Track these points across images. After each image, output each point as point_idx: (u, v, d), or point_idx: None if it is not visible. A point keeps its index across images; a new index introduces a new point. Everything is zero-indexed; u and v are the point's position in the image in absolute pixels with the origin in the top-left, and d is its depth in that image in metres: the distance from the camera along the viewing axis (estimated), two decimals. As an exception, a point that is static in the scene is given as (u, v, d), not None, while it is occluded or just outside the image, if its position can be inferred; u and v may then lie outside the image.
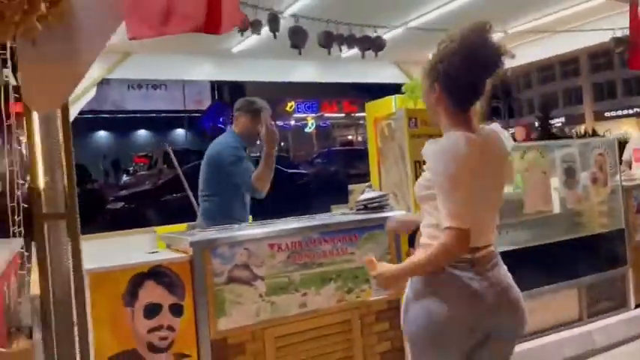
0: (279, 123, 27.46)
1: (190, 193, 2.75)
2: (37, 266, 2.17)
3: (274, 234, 2.58)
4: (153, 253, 2.58)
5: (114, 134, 30.97)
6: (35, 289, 2.35)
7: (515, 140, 6.96)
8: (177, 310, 2.33)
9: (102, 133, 30.92)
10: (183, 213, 5.75)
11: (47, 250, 2.13)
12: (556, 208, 3.64)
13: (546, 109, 37.93)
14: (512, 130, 7.51)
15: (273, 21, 3.52)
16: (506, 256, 3.17)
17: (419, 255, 1.70)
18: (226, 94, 24.55)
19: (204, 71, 5.84)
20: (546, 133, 28.57)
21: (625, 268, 3.80)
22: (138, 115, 29.65)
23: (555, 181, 3.60)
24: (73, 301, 2.16)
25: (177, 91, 27.81)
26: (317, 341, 2.62)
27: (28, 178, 2.95)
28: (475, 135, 1.65)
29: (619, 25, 4.33)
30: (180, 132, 32.09)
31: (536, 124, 37.87)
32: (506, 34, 5.04)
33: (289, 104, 26.39)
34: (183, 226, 3.69)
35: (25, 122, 2.16)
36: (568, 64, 41.52)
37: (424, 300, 1.68)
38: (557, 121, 42.88)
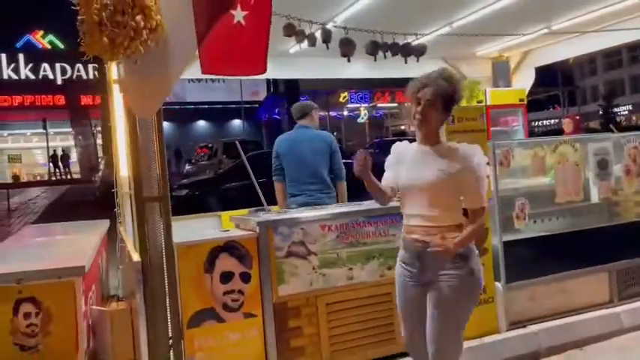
0: (332, 113, 27.90)
1: (255, 182, 3.21)
2: (138, 240, 2.72)
3: (326, 216, 3.03)
4: (226, 231, 3.10)
5: (175, 125, 32.42)
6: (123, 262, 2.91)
7: (563, 132, 7.04)
8: (246, 277, 2.83)
9: (165, 125, 32.36)
10: (242, 200, 6.26)
11: (146, 227, 2.67)
12: (594, 198, 3.90)
13: (611, 97, 36.26)
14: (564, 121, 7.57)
15: (326, 34, 3.96)
16: (540, 241, 3.53)
17: (465, 231, 2.21)
18: (281, 86, 25.24)
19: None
20: (609, 122, 27.41)
21: (658, 255, 3.98)
22: (198, 106, 30.93)
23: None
24: (165, 268, 2.71)
25: (234, 84, 28.76)
26: (361, 309, 3.06)
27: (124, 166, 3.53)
28: None
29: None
30: (237, 122, 33.16)
31: (600, 112, 36.29)
32: (550, 30, 5.25)
33: (342, 95, 26.74)
34: (245, 211, 4.18)
35: (128, 124, 2.70)
36: (636, 50, 39.35)
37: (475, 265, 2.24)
38: (624, 109, 40.84)
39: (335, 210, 3.15)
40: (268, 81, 30.22)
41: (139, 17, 2.43)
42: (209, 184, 12.05)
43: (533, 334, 3.40)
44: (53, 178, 29.11)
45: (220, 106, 31.47)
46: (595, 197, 3.87)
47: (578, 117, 7.98)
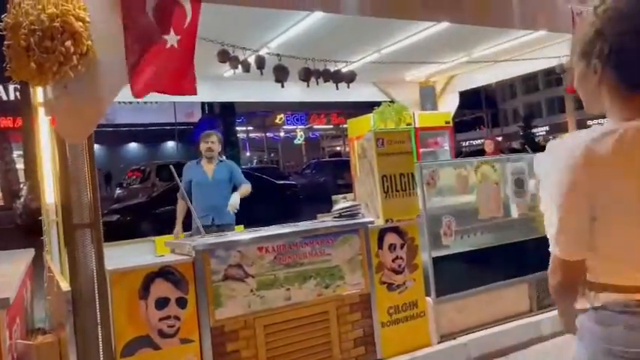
0: (269, 135, 27.98)
1: (192, 206, 3.20)
2: (68, 268, 2.64)
3: (262, 238, 3.08)
4: (160, 256, 3.06)
5: (105, 148, 31.24)
6: (51, 292, 2.82)
7: (484, 153, 7.55)
8: (182, 302, 2.81)
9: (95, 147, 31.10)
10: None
11: (77, 254, 2.60)
12: (513, 214, 4.18)
13: (529, 119, 38.77)
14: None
15: (260, 61, 4.07)
16: (466, 256, 3.74)
17: None
18: (217, 108, 25.06)
19: (201, 93, 6.31)
20: (528, 142, 29.32)
21: (572, 266, 4.32)
22: (129, 128, 29.99)
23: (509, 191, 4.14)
24: (97, 296, 2.64)
25: (167, 105, 28.23)
26: (300, 329, 3.11)
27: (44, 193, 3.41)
28: (633, 125, 1.12)
29: (565, 53, 4.93)
30: (171, 144, 32.45)
31: (520, 132, 38.71)
32: (470, 59, 5.63)
33: (279, 117, 26.95)
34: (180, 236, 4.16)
35: (57, 148, 2.64)
36: (551, 74, 42.46)
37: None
38: (541, 130, 43.78)
39: (272, 232, 3.20)
40: (203, 103, 29.94)
41: (68, 42, 2.41)
42: (142, 208, 11.71)
43: (462, 345, 3.58)
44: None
45: (153, 127, 30.72)
46: (514, 213, 4.15)
47: (497, 138, 8.54)
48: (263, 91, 5.97)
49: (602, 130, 1.14)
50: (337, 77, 4.73)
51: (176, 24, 2.70)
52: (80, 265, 2.61)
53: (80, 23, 2.44)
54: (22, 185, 21.09)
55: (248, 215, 3.96)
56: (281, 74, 4.26)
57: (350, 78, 4.82)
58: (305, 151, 29.52)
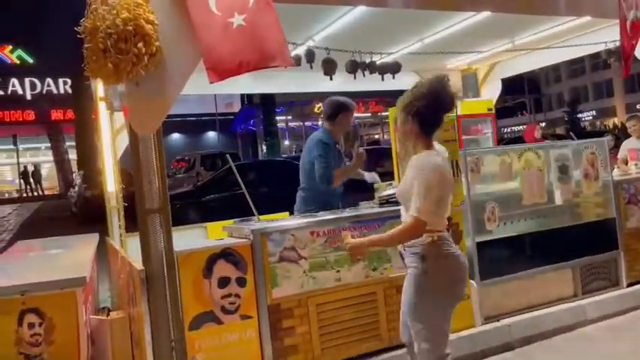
0: (308, 124, 28.18)
1: (247, 193, 3.41)
2: (141, 249, 2.90)
3: (314, 223, 3.27)
4: (220, 239, 3.30)
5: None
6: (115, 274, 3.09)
7: (524, 141, 7.51)
8: (242, 281, 3.04)
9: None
10: (222, 211, 6.39)
11: (148, 237, 2.86)
12: (557, 201, 4.24)
13: (575, 103, 37.56)
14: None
15: (310, 55, 4.25)
16: (509, 242, 3.83)
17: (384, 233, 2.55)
18: (256, 98, 25.43)
19: (241, 85, 6.51)
20: (574, 127, 28.45)
21: (617, 252, 4.35)
22: (171, 119, 30.78)
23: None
24: (166, 275, 2.89)
25: (208, 97, 28.84)
26: (349, 308, 3.30)
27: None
28: (438, 152, 2.44)
29: (611, 38, 4.89)
30: (212, 134, 33.15)
31: (565, 118, 37.54)
32: (513, 46, 5.63)
33: (317, 106, 27.10)
34: (230, 222, 4.34)
35: (130, 140, 2.90)
36: (597, 57, 40.83)
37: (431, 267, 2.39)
38: (588, 115, 42.32)
39: (323, 217, 3.39)
40: (242, 94, 30.42)
41: (140, 44, 2.64)
42: (188, 196, 12.14)
43: (506, 326, 3.70)
44: (24, 195, 28.56)
45: (194, 118, 31.43)
46: (558, 200, 4.20)
47: (538, 125, 8.50)
48: (303, 81, 6.12)
49: (435, 154, 2.39)
50: (382, 69, 4.86)
51: (239, 6, 2.83)
52: (151, 246, 2.87)
53: (150, 26, 2.67)
54: (75, 175, 22.11)
55: (290, 203, 4.16)
56: (329, 67, 4.42)
57: (395, 69, 4.94)
58: (344, 139, 29.63)
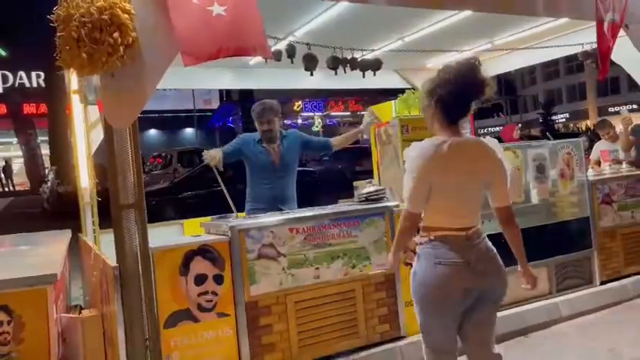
0: (287, 122, 28.11)
1: (225, 190, 3.36)
2: (115, 245, 2.82)
3: (293, 220, 3.24)
4: (197, 236, 3.24)
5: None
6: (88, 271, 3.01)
7: (500, 141, 7.60)
8: (219, 279, 2.99)
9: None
10: (199, 208, 6.30)
11: (123, 233, 2.79)
12: (534, 200, 4.28)
13: (549, 105, 38.26)
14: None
15: (291, 50, 4.21)
16: (489, 238, 3.84)
17: None
18: (235, 94, 25.25)
19: (220, 80, 6.45)
20: (548, 129, 29.01)
21: (591, 250, 4.42)
22: (148, 115, 30.36)
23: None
24: (140, 272, 2.82)
25: (186, 92, 28.54)
26: (328, 305, 3.27)
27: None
28: (454, 140, 2.14)
29: (588, 40, 4.96)
30: (189, 131, 32.81)
31: (540, 120, 38.23)
32: (493, 46, 5.68)
33: (297, 104, 27.05)
34: (207, 218, 4.27)
35: (105, 134, 2.81)
36: (572, 61, 41.76)
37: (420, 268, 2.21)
38: (561, 117, 43.19)
39: (302, 214, 3.36)
40: (221, 90, 30.17)
41: (116, 34, 2.57)
42: (165, 193, 11.98)
43: (482, 324, 3.71)
44: (-5, 190, 27.83)
45: (172, 114, 31.06)
46: (534, 199, 4.25)
47: (515, 125, 8.63)
48: (282, 78, 6.07)
49: (439, 140, 2.15)
50: (364, 65, 4.84)
51: None
52: (126, 243, 2.80)
53: (126, 15, 2.59)
54: (47, 171, 21.61)
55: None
56: (310, 63, 4.39)
57: (376, 66, 4.93)
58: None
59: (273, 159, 4.05)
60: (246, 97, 21.01)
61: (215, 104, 31.84)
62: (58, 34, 2.55)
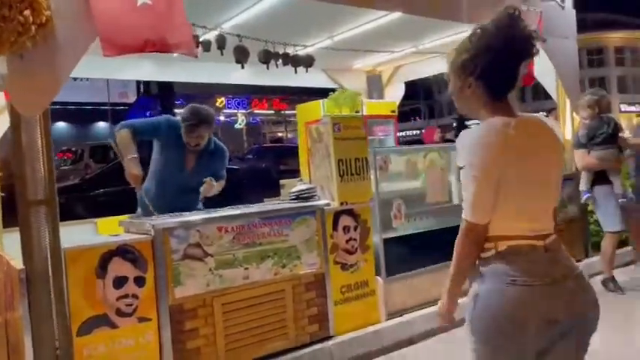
0: (209, 118, 27.46)
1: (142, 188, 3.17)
2: (22, 245, 2.55)
3: (222, 218, 3.10)
4: (115, 235, 3.01)
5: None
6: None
7: (424, 143, 7.90)
8: (140, 281, 2.79)
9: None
10: (112, 206, 5.90)
11: (31, 231, 2.52)
12: (455, 200, 4.42)
13: (463, 111, 40.30)
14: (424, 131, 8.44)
15: (221, 41, 4.04)
16: (413, 239, 3.92)
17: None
18: (154, 88, 24.19)
19: (141, 72, 6.08)
20: (462, 133, 30.55)
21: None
22: (57, 106, 28.40)
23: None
24: (50, 275, 2.57)
25: (100, 83, 26.98)
26: (257, 307, 3.17)
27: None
28: (517, 119, 1.57)
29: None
30: (103, 125, 31.07)
31: (454, 124, 40.22)
32: (417, 50, 5.85)
33: (219, 100, 26.41)
34: (122, 217, 3.99)
35: (11, 122, 2.53)
36: (483, 70, 44.19)
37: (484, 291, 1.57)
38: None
39: (231, 212, 3.23)
40: (138, 82, 28.81)
41: (27, 12, 2.32)
42: (75, 190, 11.24)
43: (409, 322, 3.78)
44: None
45: (83, 107, 29.23)
46: (456, 199, 4.39)
47: (438, 128, 9.00)
48: (206, 72, 5.84)
49: (502, 120, 1.54)
50: (296, 61, 4.77)
51: None
52: (34, 242, 2.54)
53: (39, -9, 2.35)
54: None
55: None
56: (241, 55, 4.24)
57: (309, 62, 4.88)
58: (245, 135, 29.22)
59: (187, 161, 3.67)
60: (167, 91, 20.21)
61: (132, 98, 30.32)
62: (-42, 7, 2.25)
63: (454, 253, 1.65)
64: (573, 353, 1.58)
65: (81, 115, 29.80)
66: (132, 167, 3.37)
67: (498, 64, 1.57)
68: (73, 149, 16.96)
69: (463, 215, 1.60)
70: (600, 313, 1.60)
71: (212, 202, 3.77)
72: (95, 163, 14.94)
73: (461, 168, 1.58)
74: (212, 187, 3.58)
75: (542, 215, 1.60)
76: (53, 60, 2.51)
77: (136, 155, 3.41)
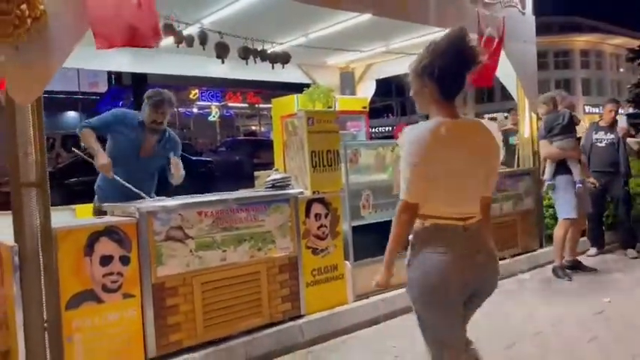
0: (182, 110, 27.27)
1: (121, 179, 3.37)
2: (14, 224, 2.71)
3: (202, 203, 3.31)
4: (102, 217, 3.19)
5: (-3, 114, 28.64)
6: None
7: (395, 138, 8.19)
8: (125, 260, 2.99)
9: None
10: (85, 195, 5.97)
11: (23, 212, 2.69)
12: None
13: (434, 109, 41.01)
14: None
15: (203, 37, 4.24)
16: (380, 226, 4.19)
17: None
18: (126, 78, 23.89)
19: (116, 63, 6.10)
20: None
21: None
22: (25, 94, 27.73)
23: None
24: (41, 252, 2.75)
25: (71, 73, 26.46)
26: (234, 287, 3.40)
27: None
28: (453, 121, 1.91)
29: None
30: (73, 115, 30.52)
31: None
32: (388, 49, 6.13)
33: (193, 92, 26.30)
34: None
35: (6, 109, 2.69)
36: (455, 69, 45.02)
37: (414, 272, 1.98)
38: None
39: (211, 198, 3.45)
40: (109, 73, 28.38)
41: (23, 6, 2.49)
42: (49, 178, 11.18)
43: (375, 303, 4.07)
44: None
45: (52, 95, 28.64)
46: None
47: (405, 124, 9.31)
48: (180, 64, 5.94)
49: (435, 122, 1.90)
50: (273, 57, 4.99)
51: None
52: (25, 222, 2.71)
53: (35, -13, 2.51)
54: None
55: (162, 189, 4.07)
56: (222, 51, 4.44)
57: (285, 59, 5.10)
58: (219, 128, 29.18)
59: (144, 148, 3.86)
60: (140, 82, 19.92)
61: (103, 88, 29.87)
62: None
63: (392, 228, 1.99)
64: (475, 308, 2.07)
65: (49, 103, 29.17)
66: (100, 158, 3.72)
67: (449, 70, 1.91)
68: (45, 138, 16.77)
69: (400, 196, 1.93)
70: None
71: (183, 193, 3.95)
72: (67, 153, 14.81)
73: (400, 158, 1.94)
74: (178, 162, 3.86)
75: (466, 202, 1.96)
76: (46, 51, 2.67)
77: (100, 148, 3.77)
